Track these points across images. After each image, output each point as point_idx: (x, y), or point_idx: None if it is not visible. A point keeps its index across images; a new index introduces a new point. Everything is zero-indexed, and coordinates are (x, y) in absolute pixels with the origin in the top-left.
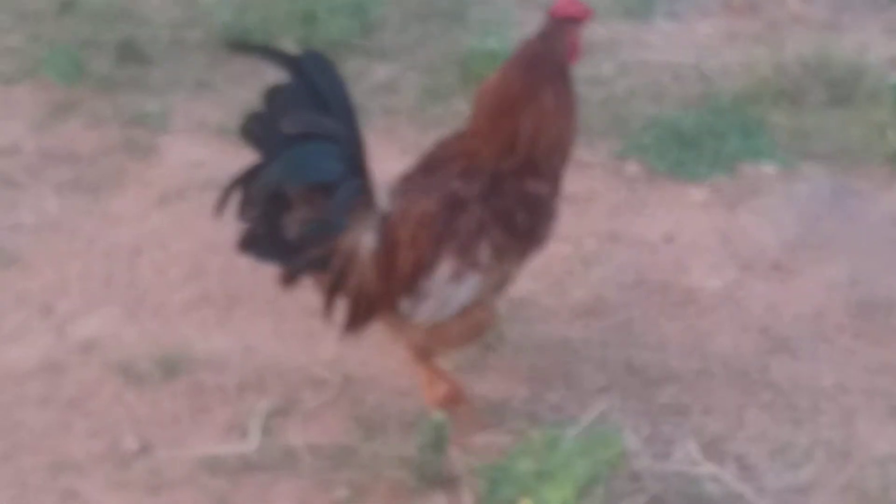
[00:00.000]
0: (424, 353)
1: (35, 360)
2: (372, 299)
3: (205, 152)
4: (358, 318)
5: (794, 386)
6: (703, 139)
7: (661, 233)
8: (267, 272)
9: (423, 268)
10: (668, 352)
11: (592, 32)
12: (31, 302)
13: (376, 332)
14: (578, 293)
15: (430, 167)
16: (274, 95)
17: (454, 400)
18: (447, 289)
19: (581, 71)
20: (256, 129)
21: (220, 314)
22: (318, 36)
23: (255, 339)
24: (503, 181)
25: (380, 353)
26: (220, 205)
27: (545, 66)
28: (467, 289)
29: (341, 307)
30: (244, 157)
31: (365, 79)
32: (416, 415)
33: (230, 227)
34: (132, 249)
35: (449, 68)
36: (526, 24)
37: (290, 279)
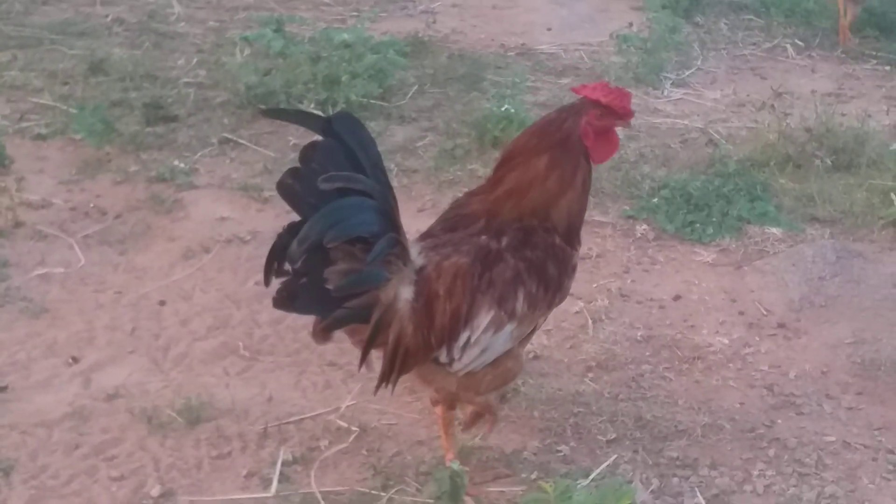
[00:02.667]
0: (452, 402)
1: (62, 408)
2: (410, 351)
3: (228, 208)
4: (395, 370)
5: (799, 442)
6: (710, 202)
7: (670, 291)
8: (288, 325)
9: (459, 319)
10: (677, 406)
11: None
12: (59, 351)
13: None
14: (590, 348)
15: (450, 225)
16: (309, 154)
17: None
18: (486, 338)
19: None
20: (294, 186)
21: (242, 365)
22: (339, 99)
23: (276, 389)
24: (532, 234)
25: (397, 403)
26: (268, 267)
27: (550, 140)
28: (504, 337)
29: (377, 358)
30: (267, 214)
31: (384, 140)
32: (433, 464)
33: (252, 281)
34: (157, 301)
35: (465, 131)
36: (540, 90)
37: (329, 331)
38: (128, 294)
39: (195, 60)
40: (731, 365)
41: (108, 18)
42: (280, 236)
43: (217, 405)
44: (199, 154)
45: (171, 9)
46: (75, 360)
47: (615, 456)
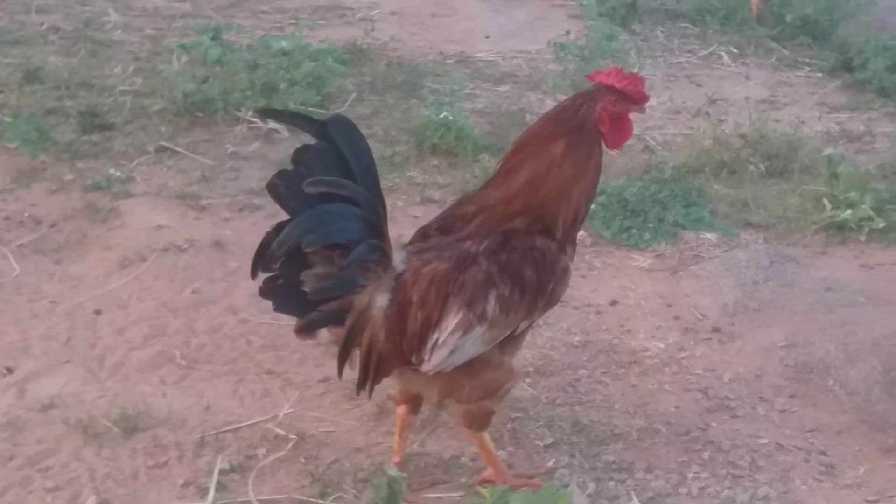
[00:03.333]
0: (469, 423)
1: None
2: (383, 357)
3: (165, 216)
4: (369, 375)
5: (733, 444)
6: (646, 208)
7: (606, 297)
8: (226, 334)
9: (431, 326)
10: (613, 411)
11: (542, 105)
12: None
13: (331, 391)
14: (527, 354)
15: (446, 225)
16: (301, 156)
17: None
18: (454, 339)
19: None
20: (282, 188)
21: (179, 374)
22: (277, 106)
23: (213, 397)
24: (513, 238)
25: (335, 410)
26: (256, 263)
27: (565, 127)
28: (474, 340)
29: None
30: (204, 222)
31: None
32: (371, 471)
33: (189, 289)
34: (93, 311)
35: (404, 138)
36: (478, 97)
37: (305, 331)
38: (63, 303)
39: (132, 68)
40: (666, 369)
41: (44, 27)
42: (268, 234)
43: (153, 414)
44: (135, 162)
45: (107, 17)
46: (9, 370)
47: (553, 461)
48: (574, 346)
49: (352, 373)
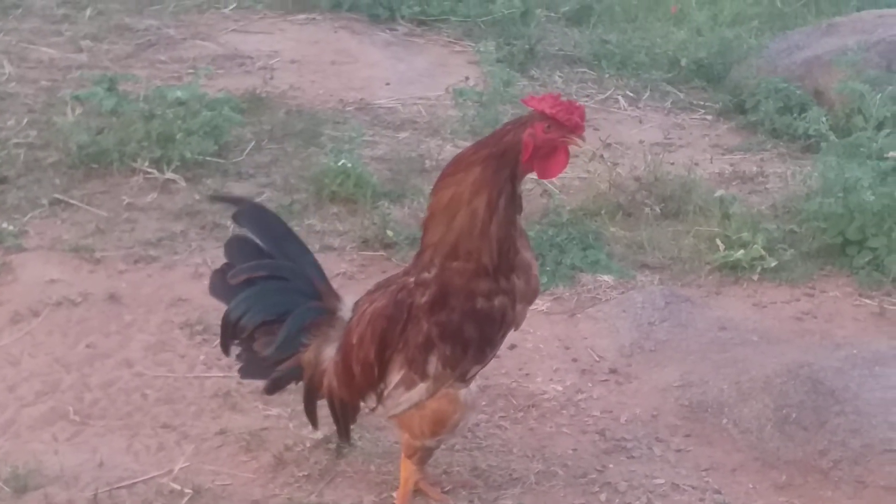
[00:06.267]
0: (410, 453)
1: None
2: (344, 402)
3: (59, 270)
4: (340, 422)
5: (629, 485)
6: (545, 251)
7: (505, 341)
8: (120, 388)
9: (371, 365)
10: (512, 455)
11: (441, 151)
12: None
13: (228, 443)
14: None
15: (407, 263)
16: (227, 250)
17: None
18: (398, 393)
19: (429, 187)
20: (214, 286)
21: (72, 430)
22: (173, 156)
23: (107, 453)
24: (451, 294)
25: (231, 463)
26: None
27: (485, 152)
28: (419, 393)
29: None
30: (98, 275)
31: None
32: None
33: (83, 343)
34: None
35: (303, 186)
36: (378, 144)
37: (270, 391)
38: None
39: (25, 121)
40: (564, 412)
41: None
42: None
43: (45, 472)
44: (28, 216)
45: (1, 69)
46: None
47: None
48: None
49: (249, 424)
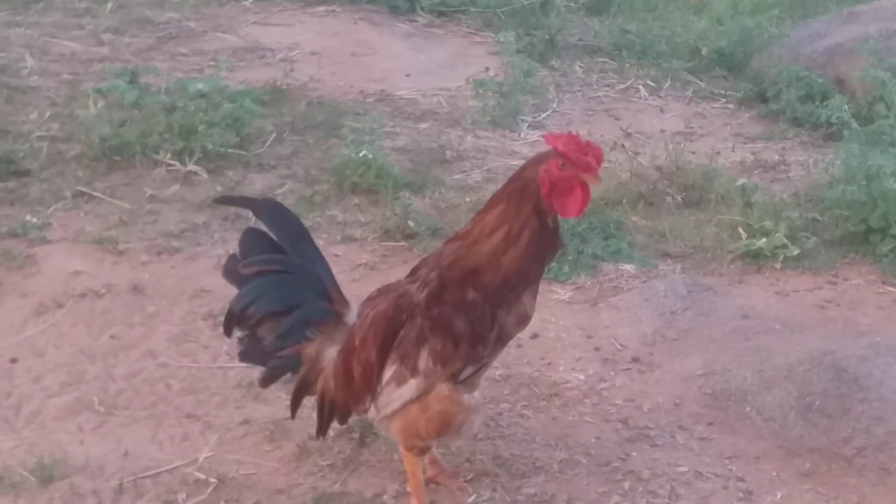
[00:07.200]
0: (409, 446)
1: None
2: (337, 405)
3: (82, 262)
4: (325, 422)
5: (653, 473)
6: (566, 241)
7: (527, 330)
8: (144, 379)
9: (372, 368)
10: (535, 444)
11: (461, 142)
12: None
13: (252, 433)
14: None
15: (414, 270)
16: (241, 240)
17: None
18: (389, 390)
19: (450, 178)
20: (230, 269)
21: (97, 420)
22: (195, 148)
23: (132, 443)
24: (445, 289)
25: (255, 452)
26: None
27: (507, 189)
28: (409, 390)
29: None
30: (122, 266)
31: (242, 188)
32: None
33: (107, 334)
34: (9, 359)
35: (324, 177)
36: (399, 135)
37: (265, 382)
38: None
39: (48, 114)
40: (587, 400)
41: None
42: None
43: (71, 462)
44: (52, 208)
45: (23, 62)
46: None
47: (474, 495)
48: (495, 380)
49: (272, 414)
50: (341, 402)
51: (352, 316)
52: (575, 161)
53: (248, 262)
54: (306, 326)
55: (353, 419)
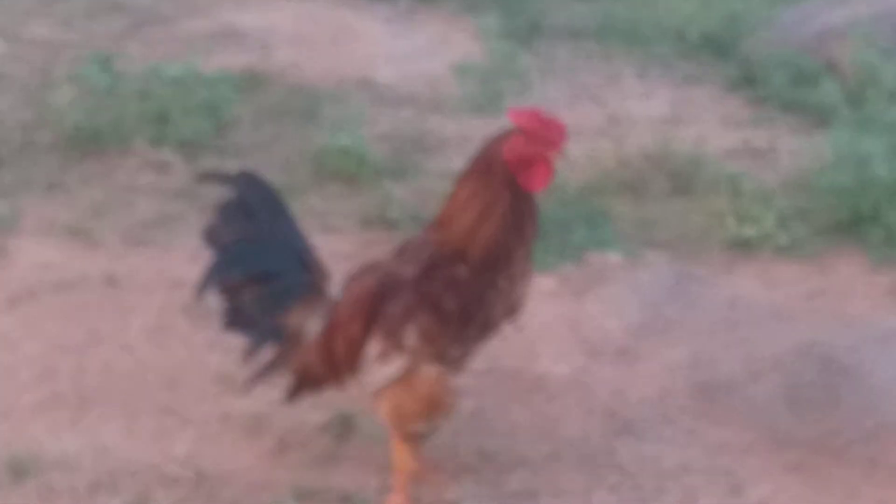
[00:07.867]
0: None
1: None
2: (318, 379)
3: (55, 253)
4: (298, 391)
5: (639, 467)
6: (550, 230)
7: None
8: (120, 372)
9: (356, 345)
10: (519, 437)
11: (443, 128)
12: None
13: (230, 427)
14: None
15: (402, 251)
16: (220, 209)
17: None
18: (374, 367)
19: (432, 164)
20: (209, 236)
21: (72, 415)
22: (171, 136)
23: (108, 438)
24: (436, 266)
25: (234, 447)
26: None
27: (476, 165)
28: (394, 367)
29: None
30: (96, 256)
31: None
32: None
33: (82, 327)
34: None
35: (302, 165)
36: (379, 122)
37: (250, 352)
38: None
39: (20, 101)
40: (572, 393)
41: None
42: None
43: (45, 458)
44: (24, 197)
45: None
46: None
47: (458, 490)
48: (479, 372)
49: (251, 408)
50: (322, 378)
51: (334, 290)
52: (538, 136)
53: (228, 230)
54: (288, 295)
55: (334, 411)
